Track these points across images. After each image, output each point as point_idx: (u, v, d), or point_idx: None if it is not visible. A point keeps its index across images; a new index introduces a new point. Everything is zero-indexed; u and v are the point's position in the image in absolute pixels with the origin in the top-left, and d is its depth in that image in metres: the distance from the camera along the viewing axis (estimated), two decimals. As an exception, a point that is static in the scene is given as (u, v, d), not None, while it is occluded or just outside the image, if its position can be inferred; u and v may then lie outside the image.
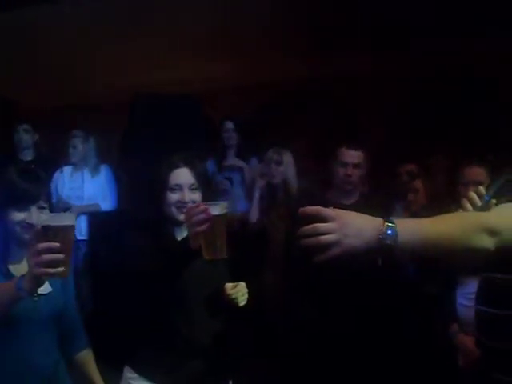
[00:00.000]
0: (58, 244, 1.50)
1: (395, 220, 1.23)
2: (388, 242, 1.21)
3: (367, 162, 3.15)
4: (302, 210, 1.23)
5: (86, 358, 2.01)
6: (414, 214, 3.16)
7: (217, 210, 1.72)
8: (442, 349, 2.65)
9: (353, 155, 3.10)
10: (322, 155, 3.41)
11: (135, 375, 1.98)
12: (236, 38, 4.63)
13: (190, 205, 1.85)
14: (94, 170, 4.42)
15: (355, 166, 3.09)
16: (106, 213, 4.37)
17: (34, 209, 1.77)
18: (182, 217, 1.94)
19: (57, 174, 4.41)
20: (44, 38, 4.58)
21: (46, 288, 1.74)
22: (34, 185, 1.80)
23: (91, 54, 4.87)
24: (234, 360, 2.11)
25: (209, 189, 2.11)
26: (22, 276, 1.55)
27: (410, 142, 4.81)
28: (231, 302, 1.93)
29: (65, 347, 1.92)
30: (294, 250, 3.06)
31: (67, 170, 4.44)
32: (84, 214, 4.32)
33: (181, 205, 1.97)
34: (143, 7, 4.15)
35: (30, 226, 1.75)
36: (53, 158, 4.64)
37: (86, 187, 4.38)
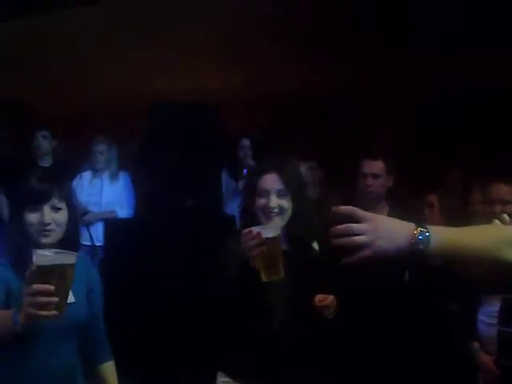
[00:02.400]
0: (52, 287, 1.46)
1: (428, 226, 1.22)
2: (420, 247, 1.19)
3: (390, 172, 3.06)
4: (335, 208, 1.22)
5: (108, 370, 1.97)
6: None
7: (270, 232, 1.74)
8: (462, 367, 2.61)
9: (372, 165, 3.04)
10: (341, 168, 3.38)
11: (228, 379, 2.00)
12: (249, 48, 4.65)
13: (244, 231, 1.79)
14: (114, 177, 4.44)
15: (375, 176, 3.02)
16: (123, 219, 4.38)
17: (46, 208, 1.74)
18: (268, 221, 1.96)
19: (76, 180, 4.43)
20: (63, 44, 4.62)
21: (69, 298, 1.69)
22: (46, 184, 1.77)
23: (110, 61, 4.90)
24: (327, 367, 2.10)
25: (300, 195, 2.06)
26: (18, 310, 1.52)
27: (426, 155, 4.78)
28: (319, 313, 1.93)
29: (87, 358, 1.90)
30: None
31: (86, 175, 4.46)
32: (101, 220, 4.33)
33: (267, 210, 1.97)
34: (163, 15, 4.19)
35: (44, 226, 1.72)
36: (71, 164, 4.65)
37: (104, 193, 4.39)
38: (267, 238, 1.71)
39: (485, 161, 4.08)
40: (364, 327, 2.83)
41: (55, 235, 1.76)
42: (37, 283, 1.46)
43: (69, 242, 1.77)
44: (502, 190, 2.63)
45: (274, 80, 5.22)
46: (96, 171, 4.44)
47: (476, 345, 2.58)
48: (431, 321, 2.82)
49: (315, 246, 2.11)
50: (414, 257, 1.20)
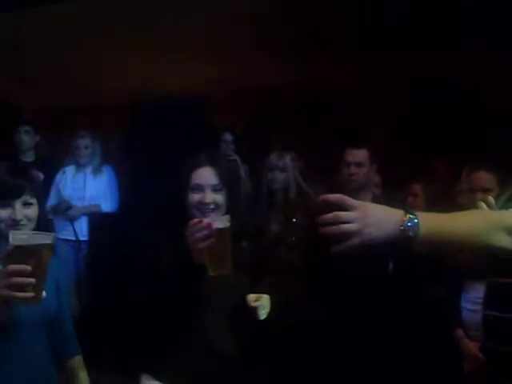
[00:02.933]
0: (29, 267, 1.41)
1: (417, 213, 1.21)
2: (410, 233, 1.19)
3: (373, 161, 3.07)
4: (323, 197, 1.21)
5: (77, 364, 1.95)
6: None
7: (220, 223, 1.66)
8: (447, 354, 2.63)
9: (354, 154, 3.04)
10: (326, 157, 3.38)
11: (155, 382, 1.90)
12: (236, 41, 4.63)
13: (192, 221, 1.70)
14: (97, 171, 4.40)
15: (358, 164, 3.02)
16: (107, 213, 4.35)
17: (18, 204, 1.70)
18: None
19: (59, 175, 4.39)
20: (46, 39, 4.58)
21: None
22: (17, 179, 1.73)
23: (92, 56, 4.86)
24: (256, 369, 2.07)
25: (234, 190, 1.99)
26: None
27: (411, 144, 4.79)
28: (252, 314, 1.85)
29: (56, 353, 1.86)
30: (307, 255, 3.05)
31: (70, 170, 4.42)
32: (85, 214, 4.29)
33: (202, 206, 1.86)
34: (146, 9, 4.15)
35: (15, 221, 1.68)
36: (54, 159, 4.62)
37: (88, 188, 4.35)
38: (218, 229, 1.63)
39: (468, 149, 4.10)
40: (348, 317, 2.86)
41: (25, 230, 1.72)
42: (13, 264, 1.42)
43: None
44: (483, 178, 2.64)
45: (257, 73, 5.22)
46: (79, 165, 4.40)
47: (460, 332, 2.61)
48: (415, 309, 2.84)
49: None
50: (403, 243, 1.20)
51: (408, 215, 1.20)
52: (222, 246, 1.66)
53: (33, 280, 1.42)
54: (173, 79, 5.23)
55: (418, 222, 1.19)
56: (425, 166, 4.05)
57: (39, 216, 1.78)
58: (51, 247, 1.49)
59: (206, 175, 1.89)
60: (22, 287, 1.42)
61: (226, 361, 1.87)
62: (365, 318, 2.82)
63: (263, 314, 1.85)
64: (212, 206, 1.86)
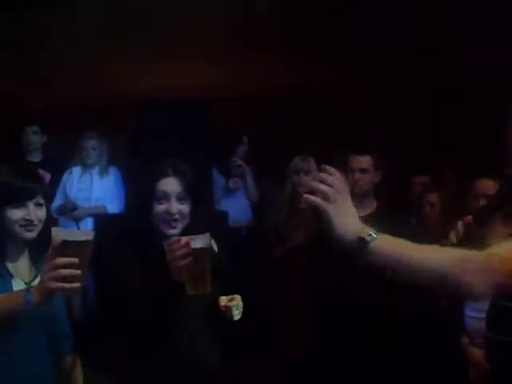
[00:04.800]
0: (76, 259, 1.50)
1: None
2: (366, 237, 1.25)
3: (378, 167, 3.06)
4: (325, 166, 1.29)
5: (73, 362, 1.97)
6: (430, 228, 3.11)
7: (199, 243, 1.66)
8: (451, 361, 2.62)
9: (359, 160, 3.03)
10: (332, 163, 3.37)
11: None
12: (238, 46, 4.64)
13: (171, 240, 1.71)
14: (104, 172, 4.41)
15: (362, 170, 3.01)
16: (113, 215, 4.35)
17: (31, 205, 1.76)
18: (169, 231, 1.84)
19: (66, 175, 4.41)
20: (54, 38, 4.60)
21: None
22: (29, 181, 1.80)
23: (99, 56, 4.88)
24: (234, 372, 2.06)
25: (199, 200, 1.94)
26: (29, 288, 1.55)
27: (421, 153, 4.78)
28: (226, 315, 1.86)
29: (53, 350, 1.87)
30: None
31: (76, 170, 4.43)
32: (90, 215, 4.29)
33: (168, 217, 1.84)
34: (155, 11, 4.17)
35: (29, 222, 1.74)
36: (61, 159, 4.63)
37: (94, 189, 4.36)
38: (195, 249, 1.64)
39: (474, 157, 4.10)
40: (351, 325, 2.85)
41: (36, 231, 1.79)
42: (60, 257, 1.49)
43: (46, 236, 1.74)
44: (486, 184, 2.65)
45: (263, 77, 5.22)
46: (86, 166, 4.41)
47: (465, 339, 2.60)
48: (419, 317, 2.83)
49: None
50: (357, 244, 1.25)
51: (370, 229, 1.27)
52: (200, 266, 1.66)
53: (79, 272, 1.50)
54: (181, 82, 5.25)
55: (376, 236, 1.26)
56: (434, 175, 4.03)
57: (47, 216, 1.83)
58: (92, 243, 1.57)
59: (171, 184, 1.87)
60: (68, 279, 1.49)
61: (201, 362, 1.87)
62: (367, 326, 2.81)
63: (237, 314, 1.86)
64: (177, 216, 1.84)
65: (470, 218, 1.75)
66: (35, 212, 1.76)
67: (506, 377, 1.69)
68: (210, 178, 4.55)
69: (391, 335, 2.80)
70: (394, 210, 3.14)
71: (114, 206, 4.36)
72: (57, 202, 4.27)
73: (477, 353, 2.48)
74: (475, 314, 2.53)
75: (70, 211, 4.21)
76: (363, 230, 1.26)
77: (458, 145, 4.71)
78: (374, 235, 1.26)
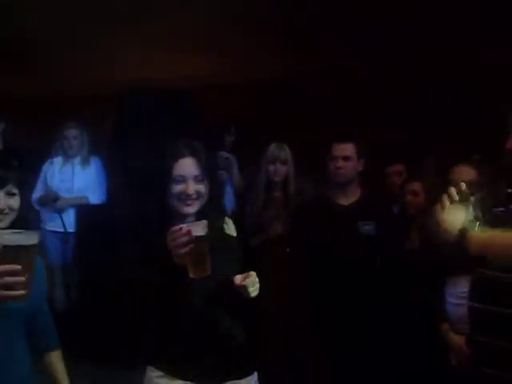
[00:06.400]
0: (19, 267, 1.44)
1: None
2: None
3: (361, 155, 3.07)
4: None
5: (56, 358, 1.94)
6: (412, 217, 3.14)
7: (199, 230, 1.72)
8: (433, 347, 2.66)
9: (341, 148, 3.04)
10: (315, 152, 3.37)
11: (160, 373, 1.90)
12: (225, 35, 4.61)
13: (173, 228, 1.72)
14: (85, 162, 4.37)
15: (345, 158, 3.01)
16: (95, 205, 4.32)
17: (1, 193, 1.71)
18: (185, 209, 1.88)
19: (47, 165, 4.36)
20: (33, 25, 4.51)
21: None
22: (1, 170, 1.74)
23: (78, 46, 4.82)
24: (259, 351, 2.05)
25: (215, 179, 2.03)
26: None
27: (400, 143, 4.81)
28: (243, 293, 1.86)
29: (35, 345, 1.85)
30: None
31: (57, 161, 4.39)
32: (72, 206, 4.27)
33: (185, 197, 1.88)
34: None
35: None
36: (21, 147, 4.55)
37: (76, 179, 4.33)
38: (196, 236, 1.69)
39: (454, 145, 4.15)
40: (336, 312, 2.87)
41: (8, 220, 1.74)
42: (2, 264, 1.43)
43: (19, 226, 1.71)
44: (463, 171, 2.69)
45: (249, 66, 5.21)
46: (67, 156, 4.37)
47: (446, 326, 2.63)
48: (401, 304, 2.87)
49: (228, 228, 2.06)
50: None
51: None
52: (201, 251, 1.73)
53: (23, 279, 1.45)
54: (163, 71, 5.21)
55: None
56: (416, 164, 4.06)
57: (21, 206, 1.77)
58: (37, 247, 1.51)
59: (188, 165, 1.90)
60: (12, 286, 1.45)
61: (226, 341, 1.90)
62: (350, 313, 2.84)
63: (253, 290, 1.87)
64: (194, 196, 1.88)
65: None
66: (5, 200, 1.71)
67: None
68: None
69: (371, 321, 2.84)
70: (377, 198, 3.17)
71: (95, 197, 4.34)
72: (38, 192, 4.23)
73: (458, 339, 2.52)
74: (456, 301, 2.56)
75: (52, 202, 4.17)
76: None
77: (435, 133, 4.75)
78: None
